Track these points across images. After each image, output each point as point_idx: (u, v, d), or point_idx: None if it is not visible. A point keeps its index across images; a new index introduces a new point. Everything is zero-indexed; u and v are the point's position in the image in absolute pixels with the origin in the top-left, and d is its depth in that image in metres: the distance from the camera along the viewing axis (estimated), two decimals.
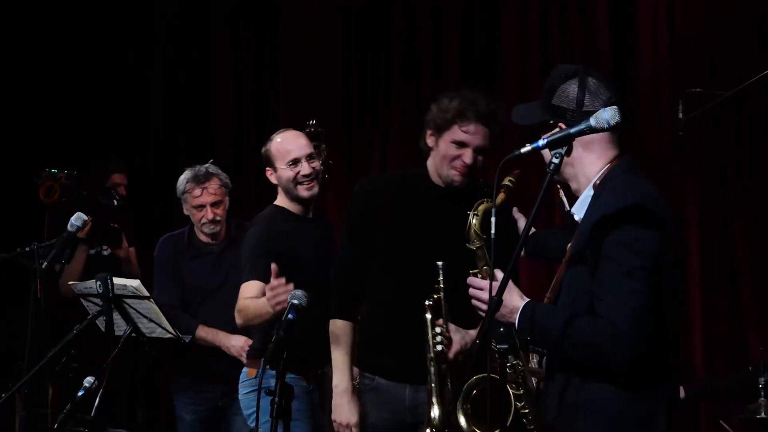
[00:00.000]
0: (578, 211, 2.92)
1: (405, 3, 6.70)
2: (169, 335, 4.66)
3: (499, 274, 2.85)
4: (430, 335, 3.61)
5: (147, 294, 4.43)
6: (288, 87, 7.02)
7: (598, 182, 2.89)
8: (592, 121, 2.76)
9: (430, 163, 3.80)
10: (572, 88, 2.91)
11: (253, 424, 4.02)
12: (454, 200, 3.71)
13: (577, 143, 2.84)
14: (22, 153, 6.62)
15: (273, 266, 3.83)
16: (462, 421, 3.52)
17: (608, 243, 2.76)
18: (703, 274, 5.69)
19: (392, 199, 3.81)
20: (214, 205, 4.97)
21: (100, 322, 4.32)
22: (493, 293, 2.80)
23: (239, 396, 4.31)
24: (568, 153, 2.83)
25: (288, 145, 4.29)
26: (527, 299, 2.89)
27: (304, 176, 4.25)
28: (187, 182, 5.01)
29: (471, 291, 2.97)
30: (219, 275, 4.96)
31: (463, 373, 3.59)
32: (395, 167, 6.38)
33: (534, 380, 3.30)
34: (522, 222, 3.71)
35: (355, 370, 3.95)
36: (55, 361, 4.20)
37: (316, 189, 4.29)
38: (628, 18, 5.97)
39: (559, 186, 3.02)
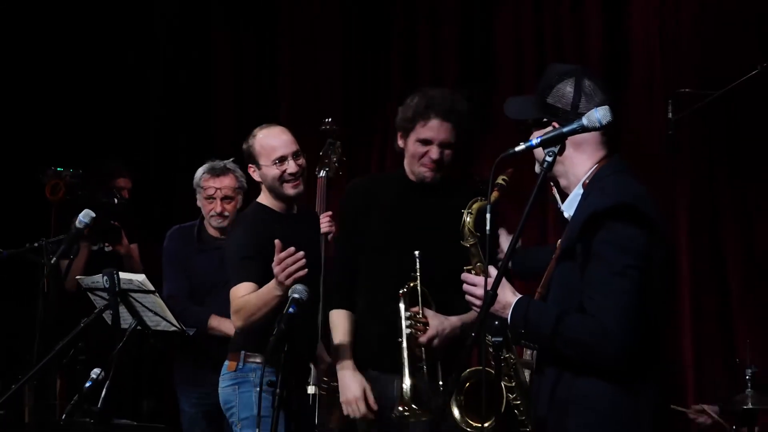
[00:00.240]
0: (568, 209, 2.95)
1: (404, 3, 6.68)
2: (173, 328, 4.67)
3: (493, 271, 2.86)
4: (403, 320, 3.68)
5: (152, 288, 4.44)
6: (288, 87, 7.01)
7: (587, 181, 2.91)
8: (585, 121, 2.78)
9: (406, 163, 3.89)
10: (568, 88, 2.93)
11: (232, 418, 4.02)
12: (428, 196, 3.79)
13: (569, 142, 2.86)
14: (28, 152, 6.62)
15: (277, 242, 3.69)
16: (456, 412, 3.54)
17: (597, 242, 2.78)
18: (693, 274, 5.72)
19: (374, 198, 3.89)
20: (225, 199, 4.95)
21: (107, 316, 4.33)
22: (488, 288, 2.81)
23: (219, 388, 4.17)
24: (561, 152, 2.85)
25: (273, 142, 4.07)
26: (519, 295, 2.91)
27: (291, 174, 4.04)
28: (203, 173, 5.00)
29: (465, 287, 2.99)
30: (226, 270, 4.96)
31: (453, 363, 3.66)
32: (395, 167, 6.39)
33: (527, 373, 3.32)
34: (505, 240, 3.73)
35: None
36: (63, 353, 4.19)
37: (301, 187, 4.09)
38: (619, 20, 5.98)
39: (552, 183, 3.04)
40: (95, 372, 4.06)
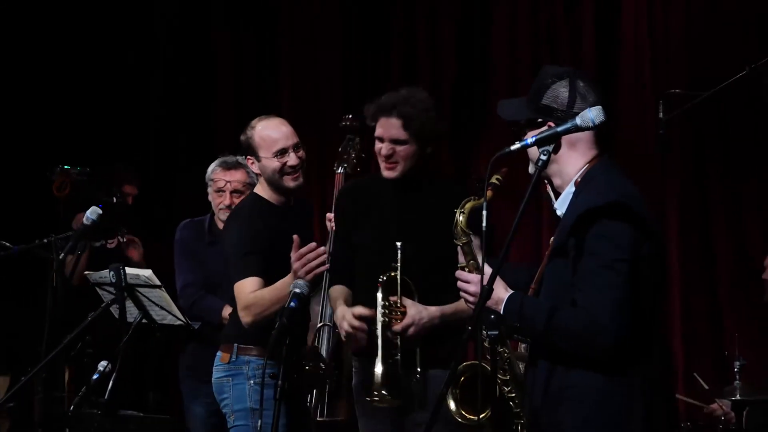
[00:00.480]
0: (560, 206, 2.98)
1: (403, 3, 6.68)
2: (179, 322, 4.69)
3: (488, 269, 2.89)
4: (378, 308, 3.71)
5: (159, 283, 4.45)
6: (288, 87, 6.98)
7: (579, 180, 2.93)
8: (578, 120, 2.81)
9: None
10: (562, 89, 2.94)
11: (225, 409, 3.98)
12: (403, 192, 3.80)
13: (563, 141, 2.89)
14: (37, 150, 6.63)
15: (295, 237, 3.67)
16: (452, 405, 3.55)
17: (589, 237, 2.81)
18: (683, 273, 5.73)
19: (358, 199, 3.93)
20: (234, 192, 4.87)
21: (114, 310, 4.34)
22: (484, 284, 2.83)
23: (213, 380, 4.08)
24: (556, 150, 2.87)
25: (273, 134, 3.94)
26: (512, 291, 2.93)
27: (291, 167, 3.93)
28: (215, 167, 4.94)
29: (459, 284, 3.02)
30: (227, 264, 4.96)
31: (437, 352, 3.71)
32: None
33: (521, 365, 3.33)
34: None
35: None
36: (71, 346, 4.21)
37: (301, 179, 3.98)
38: (612, 23, 5.99)
39: (546, 182, 3.05)
40: (102, 365, 4.07)
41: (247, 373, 3.91)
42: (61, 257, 4.37)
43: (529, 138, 2.88)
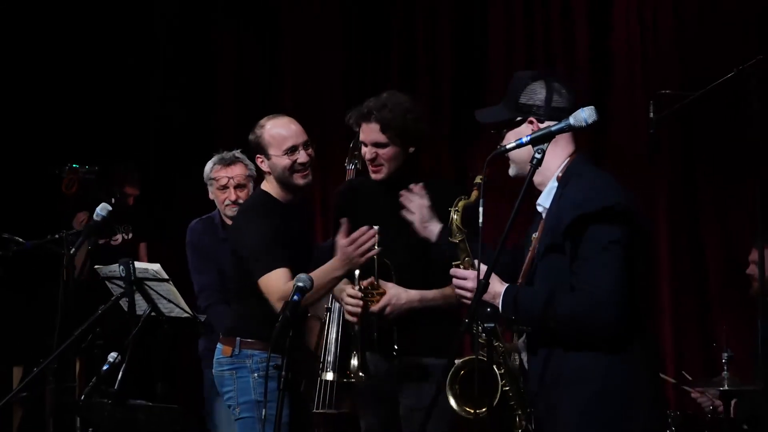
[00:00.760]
0: (544, 201, 3.01)
1: (403, 4, 6.67)
2: (186, 315, 4.69)
3: (482, 266, 2.91)
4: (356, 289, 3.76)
5: (166, 277, 4.46)
6: (289, 86, 6.96)
7: (560, 175, 2.98)
8: (572, 120, 2.84)
9: None
10: (539, 87, 3.00)
11: (230, 402, 3.95)
12: (391, 192, 3.81)
13: None
14: (43, 149, 6.64)
15: (345, 220, 3.67)
16: (452, 402, 3.55)
17: (583, 225, 2.85)
18: (673, 269, 5.74)
19: (352, 199, 3.98)
20: (237, 187, 4.82)
21: (123, 303, 4.35)
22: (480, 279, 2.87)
23: (214, 371, 4.03)
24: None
25: (283, 132, 3.89)
26: (507, 284, 2.96)
27: (301, 164, 3.88)
28: (213, 165, 4.88)
29: (455, 281, 3.04)
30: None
31: (416, 333, 3.76)
32: None
33: (516, 356, 3.33)
34: None
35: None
36: (81, 338, 4.21)
37: (310, 177, 3.93)
38: (604, 24, 5.99)
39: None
40: (112, 356, 4.07)
41: (251, 366, 3.90)
42: (71, 252, 4.37)
43: (524, 137, 2.90)
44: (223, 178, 4.83)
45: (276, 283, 3.70)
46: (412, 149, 3.83)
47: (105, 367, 4.07)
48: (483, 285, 2.86)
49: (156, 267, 4.46)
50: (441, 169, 6.18)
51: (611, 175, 3.00)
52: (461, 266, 3.18)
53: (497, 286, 2.95)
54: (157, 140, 7.23)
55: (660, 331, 5.65)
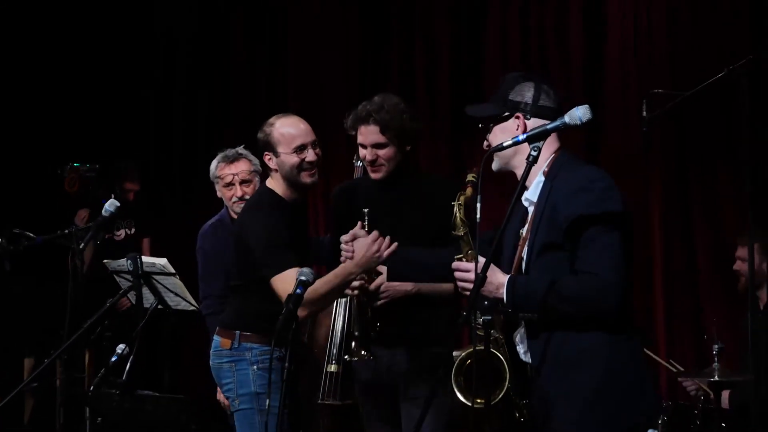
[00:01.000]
0: (531, 195, 3.03)
1: (402, 4, 6.66)
2: (192, 308, 4.69)
3: (482, 259, 2.91)
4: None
5: (173, 271, 4.46)
6: (293, 86, 6.93)
7: (546, 169, 3.01)
8: (567, 119, 2.86)
9: None
10: (528, 86, 3.05)
11: (229, 393, 3.92)
12: (390, 189, 3.85)
13: None
14: (47, 149, 6.64)
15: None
16: (459, 395, 3.54)
17: (584, 209, 2.88)
18: (666, 265, 5.74)
19: (350, 198, 3.98)
20: (243, 183, 4.74)
21: (131, 296, 4.35)
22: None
23: (212, 364, 3.96)
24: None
25: (293, 131, 3.85)
26: (508, 274, 2.97)
27: (309, 163, 3.83)
28: (217, 163, 4.81)
29: (456, 274, 3.03)
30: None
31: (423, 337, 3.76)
32: None
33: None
34: None
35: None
36: (91, 330, 4.21)
37: (317, 176, 3.89)
38: (598, 26, 5.99)
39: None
40: (120, 347, 4.08)
41: (250, 359, 3.86)
42: (81, 247, 4.37)
43: (521, 135, 2.93)
44: (228, 176, 4.75)
45: (291, 283, 3.48)
46: (408, 148, 3.87)
47: (113, 359, 4.08)
48: (480, 279, 2.87)
49: (163, 261, 4.47)
50: (439, 166, 6.19)
51: (593, 166, 3.06)
52: (464, 259, 3.18)
53: (499, 277, 2.95)
54: (157, 139, 7.21)
55: (653, 324, 5.67)
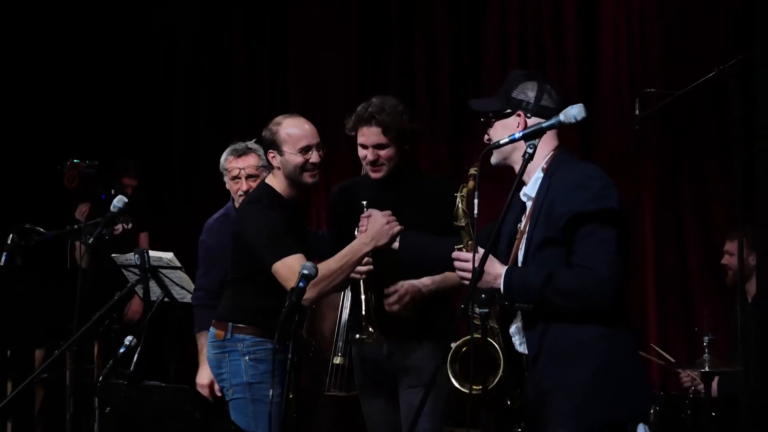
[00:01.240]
0: (530, 191, 3.05)
1: (402, 4, 6.66)
2: None
3: (481, 250, 2.92)
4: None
5: (179, 265, 4.46)
6: (294, 86, 6.92)
7: (545, 166, 3.03)
8: (562, 117, 2.88)
9: None
10: (531, 85, 3.08)
11: (223, 383, 3.94)
12: (389, 188, 3.88)
13: None
14: (47, 146, 6.64)
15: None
16: (453, 381, 3.55)
17: (582, 204, 2.91)
18: (658, 260, 5.75)
19: (349, 198, 3.99)
20: (249, 177, 4.66)
21: (138, 289, 4.35)
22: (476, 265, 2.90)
23: (208, 354, 4.00)
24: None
25: (299, 131, 3.87)
26: (507, 266, 2.99)
27: (313, 164, 3.87)
28: (227, 155, 4.73)
29: (456, 263, 3.05)
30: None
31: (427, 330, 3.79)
32: None
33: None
34: None
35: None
36: (99, 323, 4.22)
37: (318, 177, 3.93)
38: (592, 27, 6.00)
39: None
40: (128, 339, 4.07)
41: (242, 350, 3.89)
42: (90, 242, 4.37)
43: (517, 133, 2.94)
44: (235, 169, 4.72)
45: (294, 268, 3.53)
46: (407, 147, 3.90)
47: (121, 350, 4.06)
48: (478, 272, 2.89)
49: (169, 255, 4.48)
50: (439, 166, 6.19)
51: (589, 163, 3.10)
52: (464, 249, 3.19)
53: (497, 268, 2.97)
54: (156, 138, 7.17)
55: (645, 317, 5.68)
